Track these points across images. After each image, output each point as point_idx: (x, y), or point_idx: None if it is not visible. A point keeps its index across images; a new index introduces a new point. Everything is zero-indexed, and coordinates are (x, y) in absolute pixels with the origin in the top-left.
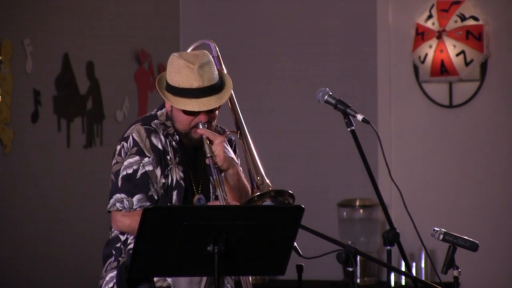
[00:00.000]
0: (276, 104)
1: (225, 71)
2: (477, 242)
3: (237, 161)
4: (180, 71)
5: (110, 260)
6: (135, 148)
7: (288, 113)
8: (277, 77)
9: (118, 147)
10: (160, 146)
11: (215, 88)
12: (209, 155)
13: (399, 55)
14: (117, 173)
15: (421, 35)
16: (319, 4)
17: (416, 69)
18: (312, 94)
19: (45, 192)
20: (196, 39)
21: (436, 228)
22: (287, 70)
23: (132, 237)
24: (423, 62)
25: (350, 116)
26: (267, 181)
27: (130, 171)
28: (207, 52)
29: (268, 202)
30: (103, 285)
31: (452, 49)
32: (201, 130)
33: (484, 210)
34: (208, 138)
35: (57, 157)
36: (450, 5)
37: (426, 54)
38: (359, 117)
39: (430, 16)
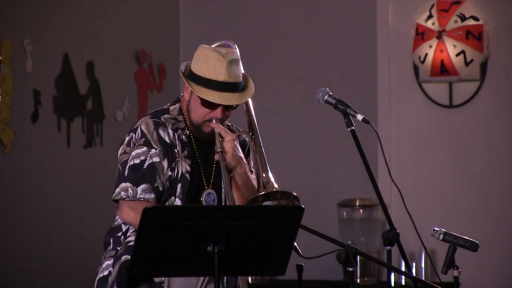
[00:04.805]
0: (276, 104)
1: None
2: (477, 242)
3: (245, 161)
4: (208, 61)
5: (109, 248)
6: (143, 139)
7: (288, 113)
8: (277, 77)
9: (127, 138)
10: (167, 139)
11: (239, 86)
12: (219, 150)
13: (399, 55)
14: (124, 163)
15: (421, 35)
16: (319, 4)
17: (416, 69)
18: (312, 94)
19: (45, 192)
20: (196, 39)
21: (436, 228)
22: (287, 70)
23: (132, 229)
24: (423, 62)
25: (350, 116)
26: (275, 184)
27: (137, 161)
28: (236, 50)
29: (268, 202)
30: (99, 272)
31: (452, 49)
32: (214, 124)
33: (484, 210)
34: (220, 134)
35: (57, 157)
36: (450, 5)
37: (426, 54)
38: (359, 117)
39: (430, 16)
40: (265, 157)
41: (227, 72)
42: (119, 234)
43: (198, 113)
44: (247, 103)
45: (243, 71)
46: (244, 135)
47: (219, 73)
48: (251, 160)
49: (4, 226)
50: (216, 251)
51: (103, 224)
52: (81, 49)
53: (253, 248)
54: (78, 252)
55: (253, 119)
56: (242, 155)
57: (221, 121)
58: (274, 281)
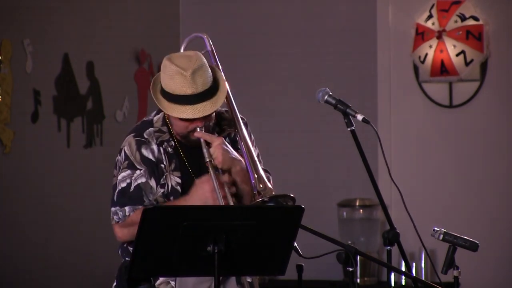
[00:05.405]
0: (276, 104)
1: (219, 66)
2: (477, 242)
3: (239, 157)
4: (173, 77)
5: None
6: (126, 162)
7: (288, 113)
8: (277, 77)
9: (116, 159)
10: (151, 157)
11: (210, 92)
12: (208, 159)
13: (399, 55)
14: (114, 187)
15: (421, 35)
16: (319, 4)
17: (416, 69)
18: (312, 94)
19: (45, 192)
20: (196, 39)
21: (436, 228)
22: (287, 70)
23: None
24: (423, 62)
25: (350, 116)
26: (269, 185)
27: (124, 185)
28: (199, 53)
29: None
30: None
31: (452, 49)
32: (198, 133)
33: (484, 210)
34: (206, 141)
35: (57, 157)
36: (450, 5)
37: (426, 54)
38: (359, 117)
39: (430, 16)
40: (254, 154)
41: (193, 84)
42: (125, 244)
43: (179, 126)
44: (227, 98)
45: (210, 74)
46: (232, 133)
47: (186, 87)
48: (254, 141)
49: (3, 226)
50: (216, 251)
51: (103, 224)
52: (81, 49)
53: (253, 248)
54: (77, 252)
55: (236, 113)
56: (234, 153)
57: (205, 127)
58: (274, 281)
